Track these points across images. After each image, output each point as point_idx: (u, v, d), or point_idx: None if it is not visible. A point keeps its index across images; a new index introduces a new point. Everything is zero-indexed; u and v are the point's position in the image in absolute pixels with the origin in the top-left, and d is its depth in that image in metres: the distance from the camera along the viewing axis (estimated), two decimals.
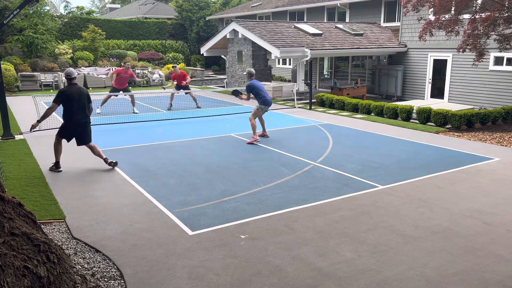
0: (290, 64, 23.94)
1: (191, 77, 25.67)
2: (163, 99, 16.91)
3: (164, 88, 16.87)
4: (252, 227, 5.12)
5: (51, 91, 19.45)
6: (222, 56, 20.73)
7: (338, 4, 21.09)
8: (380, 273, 4.09)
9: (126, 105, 15.30)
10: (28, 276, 2.95)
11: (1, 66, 14.54)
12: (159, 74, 22.06)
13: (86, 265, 4.23)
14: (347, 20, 21.28)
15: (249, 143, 9.41)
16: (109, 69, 22.56)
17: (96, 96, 17.84)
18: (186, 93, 14.90)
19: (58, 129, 7.49)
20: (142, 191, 6.35)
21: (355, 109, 13.96)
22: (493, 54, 14.09)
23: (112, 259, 4.35)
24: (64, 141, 7.48)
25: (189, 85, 16.39)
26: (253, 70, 9.97)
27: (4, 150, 8.68)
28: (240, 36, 18.15)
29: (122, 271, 4.12)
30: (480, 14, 11.23)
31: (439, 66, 16.37)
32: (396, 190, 6.44)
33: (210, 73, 29.26)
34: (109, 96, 13.72)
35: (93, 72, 21.32)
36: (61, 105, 7.16)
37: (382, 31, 19.10)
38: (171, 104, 14.73)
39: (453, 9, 11.96)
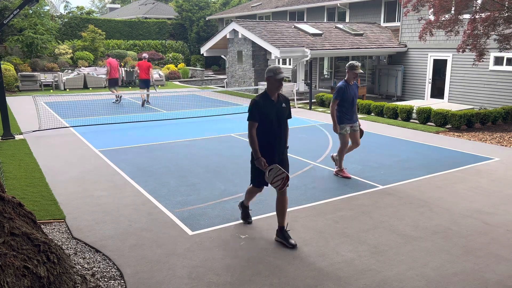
0: (290, 64, 23.93)
1: (191, 77, 25.66)
2: (163, 99, 16.90)
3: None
4: (252, 227, 5.12)
5: (51, 91, 19.45)
6: (222, 56, 20.72)
7: (338, 4, 21.08)
8: (380, 273, 4.08)
9: (127, 105, 15.30)
10: (28, 276, 2.95)
11: (1, 66, 14.53)
12: (159, 74, 22.05)
13: (86, 265, 4.23)
14: (347, 20, 21.28)
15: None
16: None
17: (96, 96, 17.85)
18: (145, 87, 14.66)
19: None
20: (142, 191, 6.35)
21: None
22: (493, 54, 14.09)
23: (112, 259, 4.34)
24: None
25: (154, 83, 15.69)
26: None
27: (4, 150, 8.68)
28: (240, 36, 18.15)
29: (122, 271, 4.12)
30: (480, 14, 11.22)
31: (439, 66, 16.36)
32: (396, 190, 6.44)
33: (210, 73, 29.26)
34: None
35: (93, 72, 21.31)
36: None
37: (382, 31, 19.10)
38: (145, 100, 14.78)
39: (453, 9, 11.96)
